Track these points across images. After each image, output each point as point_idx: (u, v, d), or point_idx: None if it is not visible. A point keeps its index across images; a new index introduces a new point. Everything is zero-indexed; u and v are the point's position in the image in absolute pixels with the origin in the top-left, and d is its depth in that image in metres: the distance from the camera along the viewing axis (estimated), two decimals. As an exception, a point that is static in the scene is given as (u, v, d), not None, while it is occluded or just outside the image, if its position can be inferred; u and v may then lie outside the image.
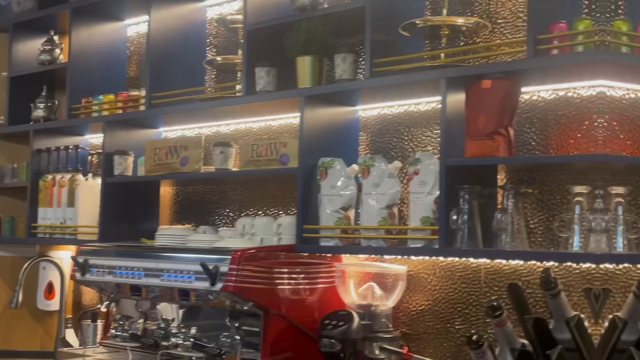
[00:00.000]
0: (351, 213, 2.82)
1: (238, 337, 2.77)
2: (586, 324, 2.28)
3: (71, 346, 3.80)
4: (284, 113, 3.23)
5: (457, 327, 2.73)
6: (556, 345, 2.23)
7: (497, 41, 2.67)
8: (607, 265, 2.36)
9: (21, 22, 4.08)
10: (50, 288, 4.07)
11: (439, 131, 2.75)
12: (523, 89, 2.51)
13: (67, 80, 3.83)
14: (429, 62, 2.65)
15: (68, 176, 3.80)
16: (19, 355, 4.12)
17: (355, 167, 2.82)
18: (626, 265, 2.36)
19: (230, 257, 2.70)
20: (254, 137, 3.39)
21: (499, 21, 2.69)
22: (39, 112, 3.99)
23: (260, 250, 2.78)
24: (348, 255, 2.95)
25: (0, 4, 4.23)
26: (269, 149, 3.01)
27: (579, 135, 2.48)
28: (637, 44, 2.27)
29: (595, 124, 2.44)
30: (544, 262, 2.46)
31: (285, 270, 2.78)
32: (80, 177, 3.78)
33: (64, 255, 4.10)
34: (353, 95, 2.88)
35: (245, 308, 2.77)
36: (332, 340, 2.60)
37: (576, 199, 2.34)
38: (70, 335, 3.93)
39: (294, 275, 2.80)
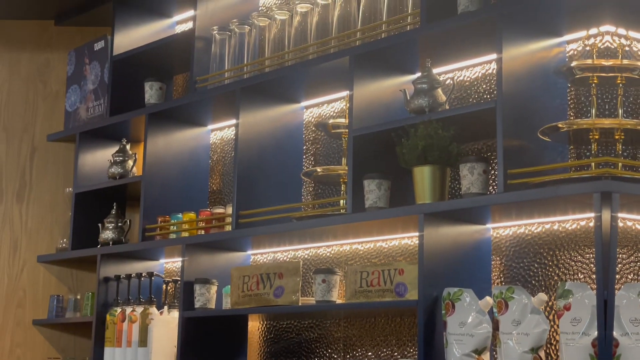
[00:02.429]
0: (486, 357, 2.75)
1: None
2: None
3: None
4: (398, 233, 3.23)
5: None
6: None
7: (661, 145, 2.65)
8: None
9: (89, 131, 4.23)
10: None
11: (592, 255, 2.70)
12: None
13: (140, 197, 3.90)
14: (575, 173, 2.61)
15: (140, 309, 3.82)
16: None
17: (489, 299, 2.77)
18: None
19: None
20: (362, 261, 3.37)
21: (661, 122, 2.67)
22: (107, 234, 4.06)
23: (374, 403, 2.75)
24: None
25: (66, 110, 4.40)
26: (382, 277, 2.99)
27: None
28: None
29: None
30: None
31: None
32: (154, 310, 3.80)
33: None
34: (483, 212, 2.84)
35: None
36: None
37: None
38: None
39: None
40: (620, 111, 2.68)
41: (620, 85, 2.67)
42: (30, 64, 4.54)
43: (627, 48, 2.68)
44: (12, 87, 4.52)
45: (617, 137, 2.64)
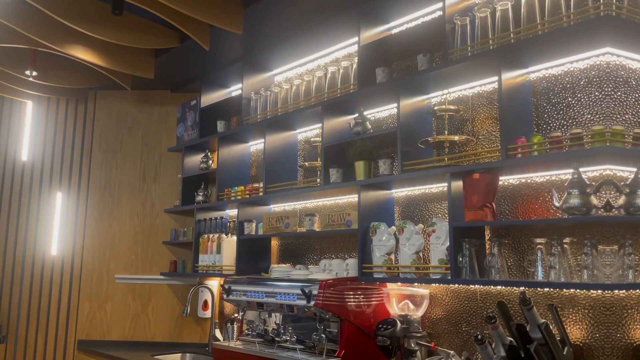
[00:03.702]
0: (392, 257, 2.71)
1: (324, 336, 2.64)
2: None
3: (219, 340, 3.69)
4: (347, 195, 3.15)
5: (463, 329, 2.55)
6: (532, 341, 2.06)
7: (480, 149, 2.58)
8: (559, 289, 2.20)
9: (189, 146, 4.10)
10: (205, 303, 4.00)
11: (446, 204, 2.64)
12: (500, 178, 2.40)
13: (216, 179, 3.80)
14: (437, 163, 2.56)
15: (217, 235, 3.75)
16: (187, 345, 4.04)
17: (394, 227, 2.72)
18: (572, 290, 2.19)
19: (318, 284, 2.60)
20: (328, 210, 3.30)
21: (480, 137, 2.60)
22: (199, 197, 3.97)
23: (336, 280, 2.67)
24: (391, 283, 2.80)
25: (177, 135, 4.30)
26: (339, 217, 2.93)
27: (536, 206, 2.35)
28: (548, 147, 2.13)
29: (547, 199, 2.31)
30: (520, 287, 2.30)
31: (352, 293, 2.67)
32: (223, 235, 3.72)
33: (214, 283, 4.04)
34: (390, 184, 2.79)
35: (328, 317, 2.65)
36: (384, 338, 2.47)
37: (538, 246, 2.20)
38: (218, 333, 3.84)
39: (357, 296, 2.68)
40: (446, 131, 2.62)
41: (447, 117, 2.61)
42: (159, 112, 4.42)
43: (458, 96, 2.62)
44: (150, 124, 4.40)
45: (459, 143, 2.57)
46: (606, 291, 2.08)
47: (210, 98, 4.09)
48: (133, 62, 3.77)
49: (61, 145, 4.50)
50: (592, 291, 2.12)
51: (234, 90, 4.17)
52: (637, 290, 2.08)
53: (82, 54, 3.55)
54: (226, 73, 3.93)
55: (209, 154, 4.02)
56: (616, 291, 2.05)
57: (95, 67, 3.76)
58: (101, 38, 3.30)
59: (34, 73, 3.95)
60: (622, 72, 2.18)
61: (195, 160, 4.13)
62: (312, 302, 2.57)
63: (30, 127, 4.56)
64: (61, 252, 4.35)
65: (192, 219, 4.11)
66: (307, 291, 2.58)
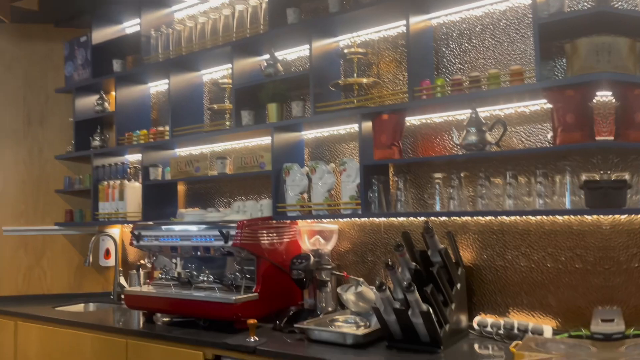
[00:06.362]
0: (305, 195, 2.84)
1: (240, 274, 2.74)
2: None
3: (124, 287, 3.65)
4: (258, 137, 3.19)
5: (369, 259, 2.80)
6: (434, 265, 2.33)
7: (385, 91, 2.74)
8: (455, 217, 2.49)
9: (81, 87, 3.82)
10: (107, 252, 3.89)
11: (353, 144, 2.80)
12: (406, 119, 2.59)
13: (114, 122, 3.64)
14: (347, 105, 2.68)
15: (118, 182, 3.62)
16: (89, 295, 3.93)
17: (306, 168, 2.83)
18: (466, 217, 2.49)
19: (236, 225, 2.67)
20: (239, 153, 3.31)
21: (385, 80, 2.76)
22: (95, 142, 3.77)
23: (252, 221, 2.75)
24: (303, 220, 2.95)
25: (66, 75, 3.97)
26: (252, 159, 2.98)
27: (434, 145, 2.59)
28: (450, 89, 2.35)
29: (445, 138, 2.55)
30: (420, 218, 2.56)
31: (266, 232, 2.77)
32: (126, 182, 3.60)
33: (116, 231, 3.93)
34: (302, 125, 2.88)
35: (243, 255, 2.75)
36: (299, 271, 2.62)
37: (436, 180, 2.44)
38: (123, 281, 3.78)
39: (271, 235, 2.79)
40: (355, 74, 2.75)
41: (356, 59, 2.73)
42: (43, 49, 4.02)
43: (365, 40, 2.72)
44: (32, 62, 4.00)
45: (366, 85, 2.71)
46: (493, 217, 2.39)
47: (102, 34, 3.81)
48: (10, -10, 3.38)
49: None
50: (480, 218, 2.44)
51: (130, 26, 3.92)
52: (524, 217, 2.42)
53: (-55, -22, 3.11)
54: (120, 8, 3.67)
55: (104, 95, 3.79)
56: (503, 217, 2.37)
57: (-37, -5, 3.32)
58: (-29, -40, 2.91)
59: None
60: (511, 17, 2.42)
61: (88, 102, 3.87)
62: (231, 242, 2.64)
63: None
64: None
65: (88, 165, 3.90)
66: (224, 232, 2.64)
